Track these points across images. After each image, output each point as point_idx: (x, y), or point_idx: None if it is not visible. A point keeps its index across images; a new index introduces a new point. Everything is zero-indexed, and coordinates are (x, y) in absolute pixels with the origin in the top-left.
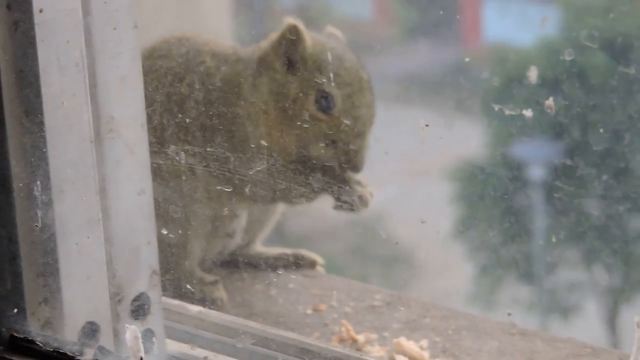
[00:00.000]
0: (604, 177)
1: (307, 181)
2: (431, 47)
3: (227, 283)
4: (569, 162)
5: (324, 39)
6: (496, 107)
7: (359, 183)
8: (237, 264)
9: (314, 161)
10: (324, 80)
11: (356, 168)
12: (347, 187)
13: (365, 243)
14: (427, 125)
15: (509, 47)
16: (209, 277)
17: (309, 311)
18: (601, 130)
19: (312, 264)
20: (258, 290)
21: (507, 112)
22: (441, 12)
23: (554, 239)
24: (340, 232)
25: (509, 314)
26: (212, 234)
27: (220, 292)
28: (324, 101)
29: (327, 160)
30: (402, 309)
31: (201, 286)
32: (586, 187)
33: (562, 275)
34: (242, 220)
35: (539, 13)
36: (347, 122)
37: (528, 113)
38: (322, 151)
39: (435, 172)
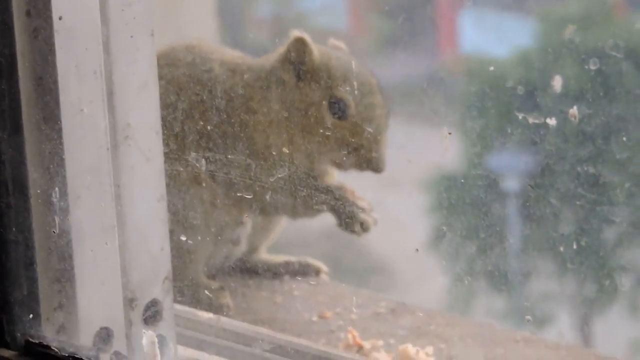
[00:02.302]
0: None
1: (315, 200)
2: (407, 57)
3: (232, 290)
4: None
5: (329, 50)
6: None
7: (363, 209)
8: (242, 271)
9: (337, 167)
10: (334, 87)
11: (377, 169)
12: (352, 212)
13: (340, 252)
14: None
15: (485, 58)
16: (214, 284)
17: (315, 318)
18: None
19: (317, 272)
20: (263, 297)
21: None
22: (417, 24)
23: (528, 250)
24: (316, 240)
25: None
26: (217, 240)
27: (226, 299)
28: (337, 107)
29: (348, 165)
30: (407, 316)
31: (207, 293)
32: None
33: (536, 285)
34: (247, 227)
35: (515, 24)
36: (362, 124)
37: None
38: (342, 157)
39: (409, 183)
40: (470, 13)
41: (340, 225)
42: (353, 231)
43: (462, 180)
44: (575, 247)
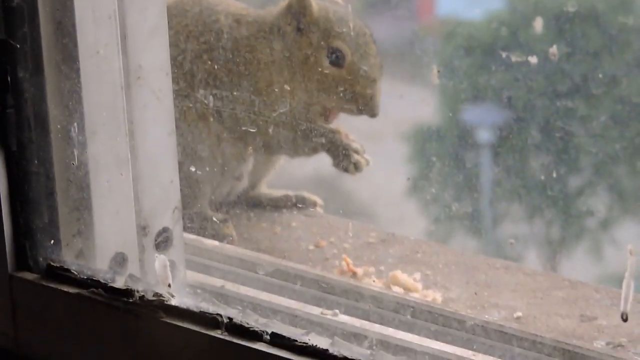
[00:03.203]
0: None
1: (314, 134)
2: (389, 20)
3: (235, 222)
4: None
5: (327, 4)
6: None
7: (356, 150)
8: (244, 204)
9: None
10: (332, 37)
11: (373, 112)
12: (346, 152)
13: (328, 197)
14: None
15: (461, 20)
16: (219, 216)
17: (311, 247)
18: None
19: (313, 205)
20: (264, 228)
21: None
22: None
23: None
24: (306, 187)
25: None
26: (222, 173)
27: (230, 230)
28: (335, 56)
29: (347, 111)
30: (396, 245)
31: (212, 224)
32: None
33: (507, 228)
34: (249, 164)
35: None
36: (358, 71)
37: None
38: (339, 100)
39: (391, 135)
40: None
41: (335, 164)
42: (347, 170)
43: (440, 132)
44: (546, 192)
